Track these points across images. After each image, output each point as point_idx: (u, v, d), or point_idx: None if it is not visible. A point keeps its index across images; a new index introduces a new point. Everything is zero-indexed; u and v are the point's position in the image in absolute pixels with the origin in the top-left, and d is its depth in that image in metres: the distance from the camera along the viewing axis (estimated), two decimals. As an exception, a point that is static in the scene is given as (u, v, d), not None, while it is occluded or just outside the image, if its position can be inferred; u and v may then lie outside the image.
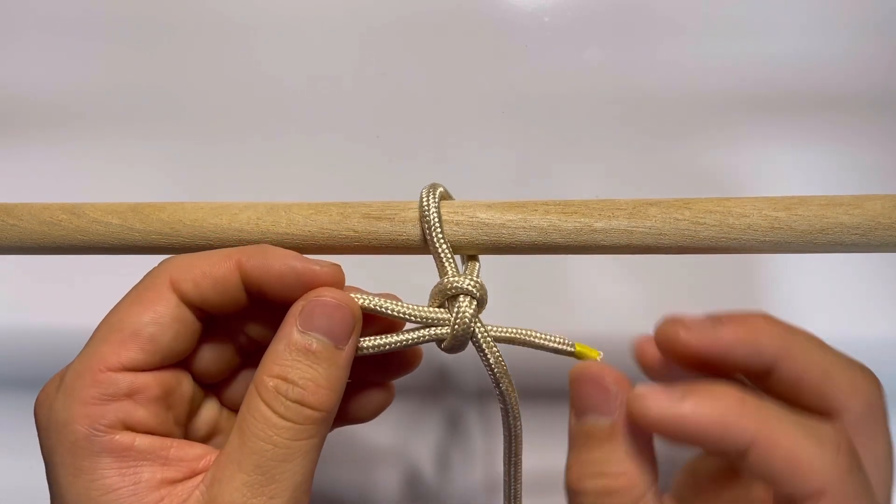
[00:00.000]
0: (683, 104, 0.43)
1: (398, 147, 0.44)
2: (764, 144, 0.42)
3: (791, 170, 0.42)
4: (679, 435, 0.20)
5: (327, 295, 0.25)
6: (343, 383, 0.25)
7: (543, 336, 0.27)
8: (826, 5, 0.44)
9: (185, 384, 0.26)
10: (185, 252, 0.28)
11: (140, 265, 0.29)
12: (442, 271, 0.27)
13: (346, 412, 0.31)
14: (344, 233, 0.27)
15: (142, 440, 0.23)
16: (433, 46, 0.45)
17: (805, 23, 0.44)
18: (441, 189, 0.27)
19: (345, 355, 0.25)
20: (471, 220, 0.27)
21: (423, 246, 0.27)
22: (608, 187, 0.42)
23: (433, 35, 0.45)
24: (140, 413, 0.24)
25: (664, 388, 0.21)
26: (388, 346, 0.26)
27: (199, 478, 0.24)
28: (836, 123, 0.42)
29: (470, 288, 0.26)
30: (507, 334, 0.27)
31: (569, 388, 0.23)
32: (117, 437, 0.23)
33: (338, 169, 0.43)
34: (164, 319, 0.24)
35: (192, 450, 0.24)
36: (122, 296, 0.25)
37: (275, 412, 0.23)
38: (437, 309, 0.27)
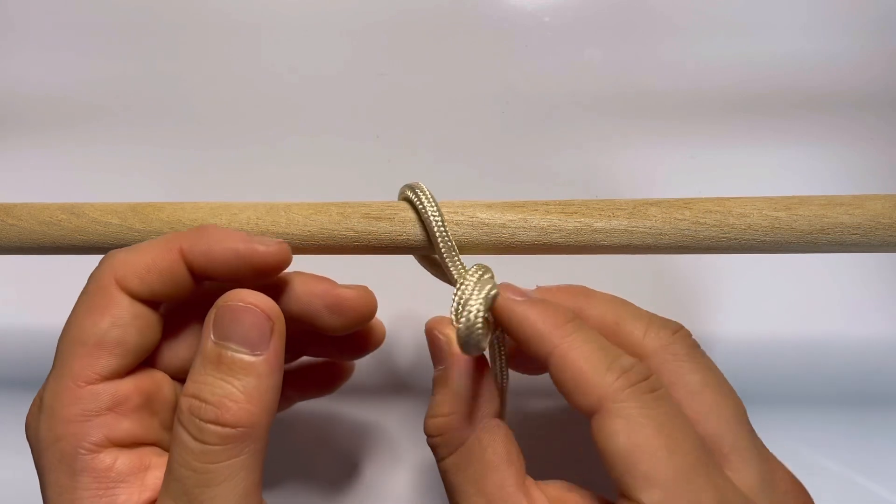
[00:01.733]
0: (684, 103, 0.43)
1: (398, 147, 0.44)
2: (764, 143, 0.42)
3: (791, 170, 0.42)
4: (511, 332, 0.24)
5: (234, 298, 0.23)
6: (270, 392, 0.23)
7: None
8: (826, 5, 0.44)
9: (165, 387, 0.26)
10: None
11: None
12: (452, 276, 0.26)
13: (303, 388, 0.32)
14: (344, 233, 0.27)
15: (123, 461, 0.23)
16: (433, 46, 0.45)
17: (805, 23, 0.44)
18: (423, 186, 0.27)
19: (264, 362, 0.23)
20: (471, 220, 0.27)
21: (423, 246, 0.27)
22: (608, 187, 0.42)
23: (433, 35, 0.45)
24: (125, 425, 0.23)
25: (523, 290, 0.25)
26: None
27: None
28: (836, 123, 0.42)
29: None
30: None
31: None
32: (100, 456, 0.23)
33: (338, 169, 0.43)
34: (122, 321, 0.24)
35: None
36: (76, 302, 0.25)
37: (190, 435, 0.22)
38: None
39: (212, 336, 0.23)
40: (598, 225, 0.26)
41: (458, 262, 0.26)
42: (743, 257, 0.27)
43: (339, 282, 0.28)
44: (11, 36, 0.46)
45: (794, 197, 0.26)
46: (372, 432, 0.40)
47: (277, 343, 0.23)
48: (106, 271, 0.24)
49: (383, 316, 0.41)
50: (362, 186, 0.43)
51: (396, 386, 0.40)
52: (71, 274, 0.42)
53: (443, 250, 0.26)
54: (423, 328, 0.26)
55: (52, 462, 0.22)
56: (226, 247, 0.24)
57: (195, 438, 0.22)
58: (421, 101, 0.44)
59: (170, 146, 0.44)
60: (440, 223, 0.26)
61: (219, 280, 0.25)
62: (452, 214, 0.27)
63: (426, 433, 0.25)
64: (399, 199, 0.28)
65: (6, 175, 0.44)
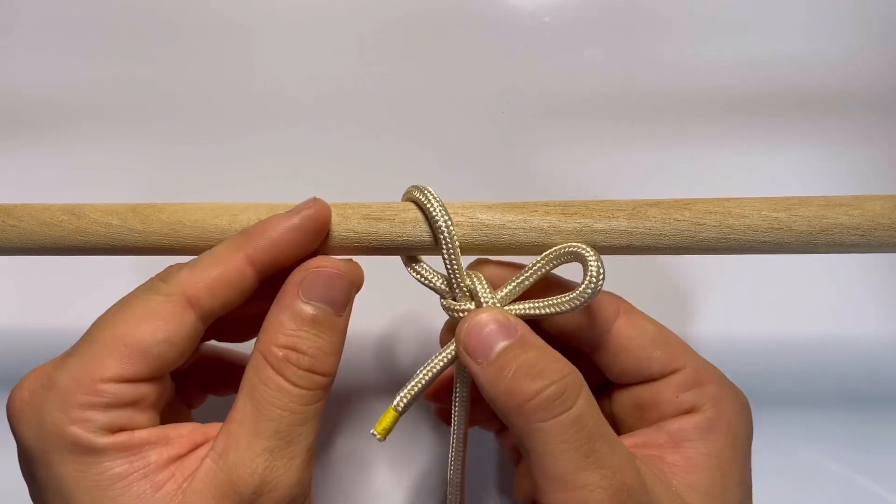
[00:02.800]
0: (683, 104, 0.43)
1: (398, 147, 0.44)
2: (764, 144, 0.42)
3: (791, 170, 0.42)
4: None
5: (327, 265, 0.26)
6: (342, 347, 0.26)
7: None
8: (826, 5, 0.43)
9: (168, 385, 0.27)
10: (185, 253, 0.28)
11: (141, 264, 0.28)
12: (457, 277, 0.27)
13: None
14: (344, 234, 0.27)
15: (141, 432, 0.24)
16: (433, 46, 0.45)
17: (805, 23, 0.43)
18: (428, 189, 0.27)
19: (344, 321, 0.26)
20: (471, 220, 0.27)
21: (422, 247, 0.27)
22: (608, 187, 0.42)
23: (433, 35, 0.45)
24: (139, 419, 0.24)
25: None
26: (427, 382, 0.27)
27: (204, 448, 0.24)
28: (836, 123, 0.42)
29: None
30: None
31: (465, 351, 0.25)
32: (114, 436, 0.23)
33: (338, 169, 0.43)
34: (176, 338, 0.24)
35: (185, 427, 0.25)
36: (124, 301, 0.25)
37: (288, 381, 0.24)
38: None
39: (301, 295, 0.25)
40: (598, 226, 0.26)
41: (461, 264, 0.27)
42: (742, 257, 0.27)
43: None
44: (11, 36, 0.46)
45: (793, 198, 0.26)
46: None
47: (351, 307, 0.27)
48: (176, 284, 0.25)
49: (383, 316, 0.42)
50: (362, 187, 0.43)
51: (397, 385, 0.40)
52: (71, 274, 0.42)
53: (451, 252, 0.26)
54: (422, 326, 0.27)
55: (63, 444, 0.23)
56: (284, 228, 0.26)
57: (293, 384, 0.24)
58: (421, 101, 0.44)
59: (170, 147, 0.44)
60: (450, 225, 0.26)
61: (286, 265, 0.26)
62: (453, 215, 0.27)
63: (529, 392, 0.23)
64: (403, 200, 0.28)
65: (6, 176, 0.44)
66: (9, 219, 0.28)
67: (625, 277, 0.41)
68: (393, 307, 0.40)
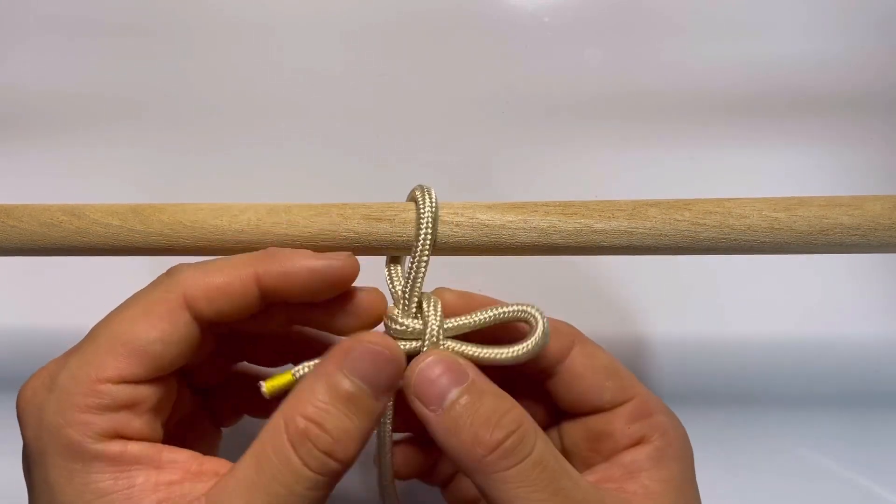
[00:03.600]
0: (683, 104, 0.43)
1: (398, 147, 0.44)
2: (764, 144, 0.42)
3: (791, 170, 0.42)
4: None
5: (381, 343, 0.24)
6: (369, 437, 0.24)
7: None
8: (826, 5, 0.43)
9: (173, 389, 0.26)
10: (185, 253, 0.28)
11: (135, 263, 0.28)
12: (415, 283, 0.27)
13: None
14: (344, 234, 0.27)
15: (133, 446, 0.23)
16: (433, 46, 0.45)
17: (805, 23, 0.43)
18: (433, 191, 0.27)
19: (380, 408, 0.24)
20: (471, 221, 0.27)
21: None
22: (608, 188, 0.42)
23: (433, 35, 0.45)
24: (136, 423, 0.23)
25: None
26: None
27: (200, 488, 0.23)
28: (836, 123, 0.42)
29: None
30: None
31: (416, 397, 0.24)
32: (109, 444, 0.23)
33: (337, 169, 0.43)
34: (172, 337, 0.24)
35: (182, 453, 0.24)
36: (129, 298, 0.25)
37: (300, 458, 0.22)
38: (409, 323, 0.26)
39: (346, 370, 0.23)
40: (598, 226, 0.26)
41: (423, 275, 0.27)
42: (742, 257, 0.27)
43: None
44: (12, 36, 0.46)
45: (793, 198, 0.26)
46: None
47: (392, 395, 0.25)
48: (176, 284, 0.24)
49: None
50: (362, 187, 0.43)
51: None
52: (70, 275, 0.42)
53: (418, 259, 0.26)
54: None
55: (56, 447, 0.22)
56: (302, 266, 0.25)
57: (304, 463, 0.22)
58: (421, 101, 0.44)
59: (171, 147, 0.44)
60: (428, 234, 0.26)
61: (290, 300, 0.25)
62: (453, 216, 0.27)
63: (489, 444, 0.23)
64: (408, 199, 0.28)
65: (6, 176, 0.44)
66: (9, 219, 0.28)
67: (624, 276, 0.41)
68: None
